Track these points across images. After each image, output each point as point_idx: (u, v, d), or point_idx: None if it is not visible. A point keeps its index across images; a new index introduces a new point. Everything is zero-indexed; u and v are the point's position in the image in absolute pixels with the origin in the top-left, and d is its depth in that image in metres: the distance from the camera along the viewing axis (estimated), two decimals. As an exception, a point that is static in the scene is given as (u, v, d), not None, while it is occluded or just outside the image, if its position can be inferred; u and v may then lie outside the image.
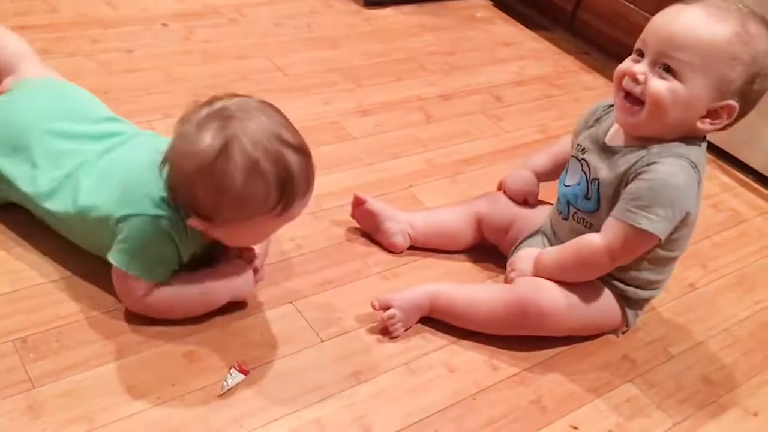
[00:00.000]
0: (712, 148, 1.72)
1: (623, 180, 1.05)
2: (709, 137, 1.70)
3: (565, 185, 1.16)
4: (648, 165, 1.02)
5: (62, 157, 1.06)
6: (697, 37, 0.98)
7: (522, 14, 2.21)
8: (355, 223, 1.28)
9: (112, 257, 1.00)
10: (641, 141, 1.06)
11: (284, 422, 0.95)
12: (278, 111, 0.98)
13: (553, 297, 1.08)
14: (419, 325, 1.13)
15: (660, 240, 1.03)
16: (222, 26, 1.81)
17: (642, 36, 1.04)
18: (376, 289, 1.17)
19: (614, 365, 1.14)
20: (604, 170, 1.08)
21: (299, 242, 1.23)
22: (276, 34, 1.83)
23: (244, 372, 0.99)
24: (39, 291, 1.04)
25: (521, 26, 2.15)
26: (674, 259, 1.13)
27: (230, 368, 0.98)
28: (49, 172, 1.05)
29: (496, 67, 1.92)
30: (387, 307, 1.07)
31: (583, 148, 1.13)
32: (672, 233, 1.05)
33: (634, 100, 1.03)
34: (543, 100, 1.81)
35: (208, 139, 0.92)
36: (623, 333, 1.18)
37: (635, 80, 1.02)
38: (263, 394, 0.97)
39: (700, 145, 1.06)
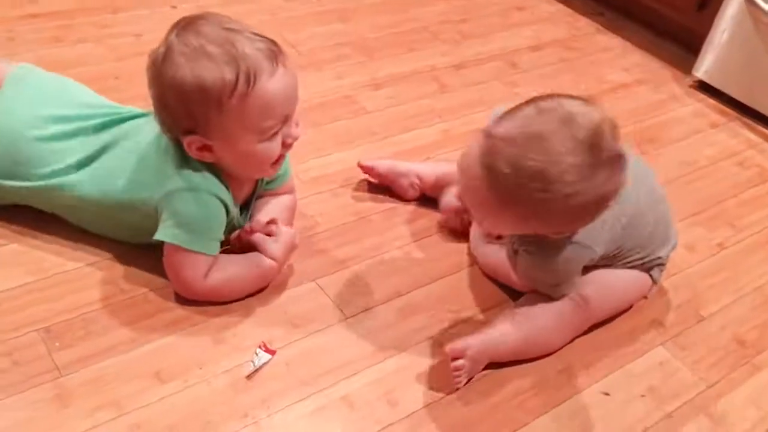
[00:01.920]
0: (737, 104, 1.68)
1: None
2: (732, 93, 1.69)
3: None
4: (522, 250, 1.02)
5: (73, 147, 1.04)
6: (486, 214, 0.95)
7: (534, -23, 2.16)
8: (373, 198, 1.27)
9: (167, 236, 0.98)
10: None
11: (311, 401, 0.94)
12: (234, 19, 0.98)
13: (590, 290, 1.06)
14: (444, 298, 1.12)
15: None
16: (231, 5, 1.78)
17: None
18: (398, 263, 1.16)
19: (643, 330, 1.12)
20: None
21: (318, 219, 1.22)
22: (286, 9, 1.81)
23: (271, 352, 0.98)
24: (61, 279, 1.04)
25: (534, -11, 2.11)
26: (642, 244, 1.07)
27: (256, 349, 0.98)
28: (61, 161, 1.03)
29: (509, 33, 1.88)
30: (459, 357, 0.97)
31: None
32: (602, 258, 1.04)
33: None
34: (559, 64, 1.78)
35: (159, 50, 0.93)
36: (651, 289, 1.14)
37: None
38: (290, 374, 0.97)
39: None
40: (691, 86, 1.77)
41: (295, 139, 1.01)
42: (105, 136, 1.05)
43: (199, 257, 0.99)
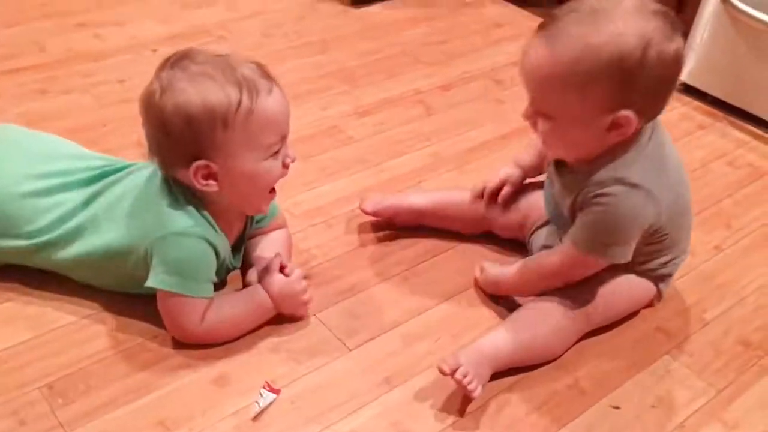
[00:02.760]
0: (723, 105, 1.69)
1: (574, 204, 1.03)
2: (716, 93, 1.69)
3: (548, 195, 1.14)
4: (592, 198, 0.99)
5: (60, 202, 1.04)
6: (543, 81, 0.95)
7: (511, -7, 2.18)
8: (368, 227, 1.27)
9: (157, 283, 0.97)
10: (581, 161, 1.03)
11: (320, 438, 0.93)
12: None
13: (592, 296, 1.07)
14: (447, 322, 1.11)
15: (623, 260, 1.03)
16: (211, 44, 1.80)
17: None
18: (398, 290, 1.16)
19: (648, 339, 1.11)
20: (560, 194, 1.07)
21: (314, 252, 1.21)
22: (265, 45, 1.82)
23: (275, 391, 0.97)
24: (59, 334, 1.03)
25: (512, 6, 2.12)
26: (676, 238, 1.08)
27: (260, 389, 0.97)
28: (49, 217, 1.03)
29: (492, 50, 1.89)
30: (456, 368, 0.96)
31: (550, 162, 1.11)
32: (650, 234, 1.03)
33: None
34: (543, 78, 1.78)
35: (153, 86, 0.95)
36: (658, 301, 1.15)
37: (529, 125, 1.02)
38: (296, 412, 0.96)
39: (640, 146, 0.99)
40: (675, 90, 1.77)
41: (293, 160, 1.02)
42: (92, 189, 1.05)
43: (193, 301, 0.99)
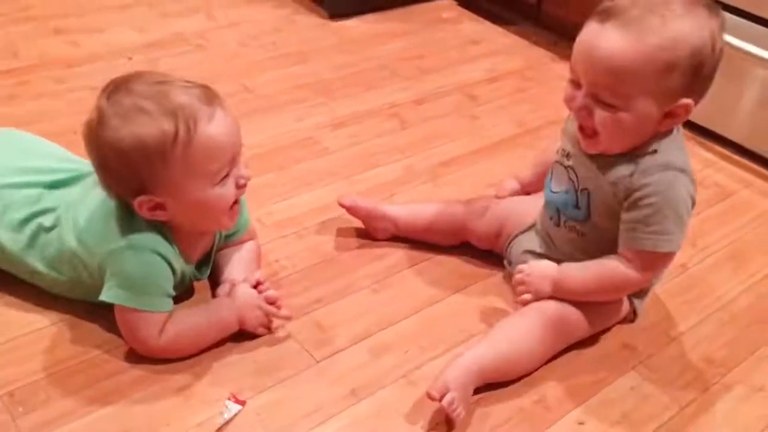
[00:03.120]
0: (691, 125, 1.71)
1: (614, 195, 1.02)
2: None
3: (552, 191, 1.12)
4: (641, 188, 0.99)
5: (23, 204, 1.04)
6: (621, 68, 0.93)
7: (488, 11, 2.20)
8: (340, 238, 1.27)
9: (111, 297, 0.96)
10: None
11: (285, 450, 0.93)
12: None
13: (572, 310, 1.08)
14: (416, 335, 1.11)
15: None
16: (188, 53, 1.80)
17: (571, 64, 0.99)
18: (367, 302, 1.16)
19: (614, 355, 1.12)
20: (592, 181, 1.05)
21: (284, 263, 1.21)
22: (242, 55, 1.82)
23: (240, 402, 0.97)
24: (23, 342, 1.02)
25: (488, 23, 2.15)
26: None
27: (225, 400, 0.96)
28: (14, 225, 1.03)
29: (467, 67, 1.91)
30: (445, 393, 0.95)
31: (568, 153, 1.09)
32: None
33: (589, 130, 1.00)
34: (517, 95, 1.80)
35: (92, 116, 0.93)
36: (631, 321, 1.16)
37: (580, 115, 1.00)
38: (262, 424, 0.95)
39: (674, 135, 1.02)
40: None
41: (248, 179, 1.00)
42: (61, 191, 1.05)
43: (150, 315, 0.97)
